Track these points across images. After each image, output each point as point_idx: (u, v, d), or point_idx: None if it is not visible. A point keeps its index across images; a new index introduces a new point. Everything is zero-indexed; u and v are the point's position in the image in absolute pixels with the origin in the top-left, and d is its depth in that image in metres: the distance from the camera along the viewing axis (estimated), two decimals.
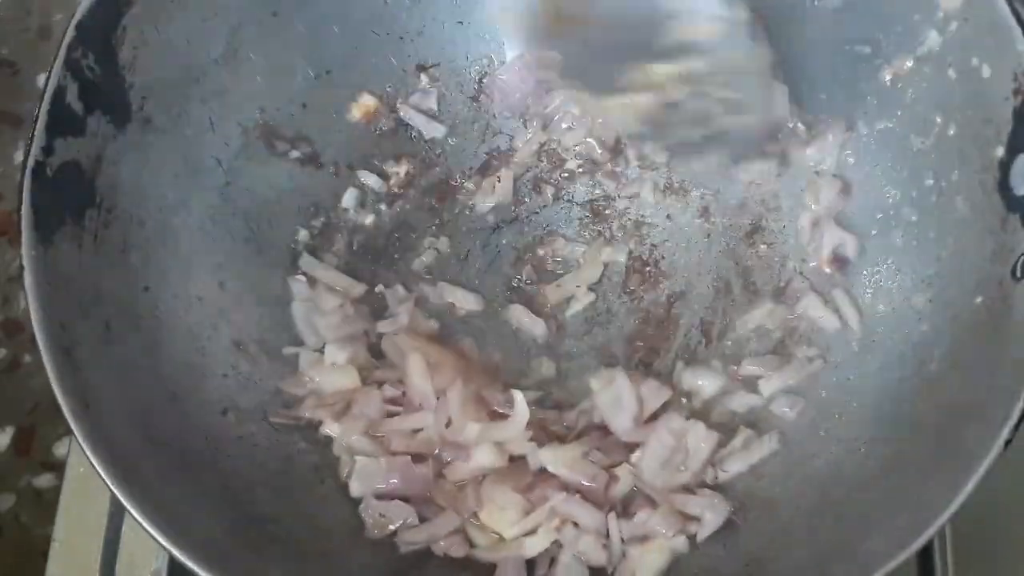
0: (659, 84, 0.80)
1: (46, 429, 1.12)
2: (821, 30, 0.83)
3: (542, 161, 0.91)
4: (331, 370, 0.82)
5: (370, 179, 0.89)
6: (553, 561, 0.75)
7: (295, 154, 0.88)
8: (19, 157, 1.21)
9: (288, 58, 0.86)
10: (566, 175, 0.91)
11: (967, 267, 0.74)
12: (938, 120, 0.78)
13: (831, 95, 0.84)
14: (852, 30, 0.82)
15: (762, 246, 0.87)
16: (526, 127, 0.91)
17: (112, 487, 0.65)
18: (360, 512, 0.77)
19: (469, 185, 0.91)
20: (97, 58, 0.74)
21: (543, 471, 0.77)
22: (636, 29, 0.78)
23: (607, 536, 0.75)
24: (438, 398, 0.79)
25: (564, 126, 0.91)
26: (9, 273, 1.20)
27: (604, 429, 0.80)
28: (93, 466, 0.65)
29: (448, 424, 0.78)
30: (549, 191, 0.90)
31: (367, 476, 0.77)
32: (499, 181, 0.90)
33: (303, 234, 0.87)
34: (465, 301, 0.87)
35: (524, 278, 0.88)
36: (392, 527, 0.76)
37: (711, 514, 0.75)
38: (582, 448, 0.78)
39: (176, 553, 0.65)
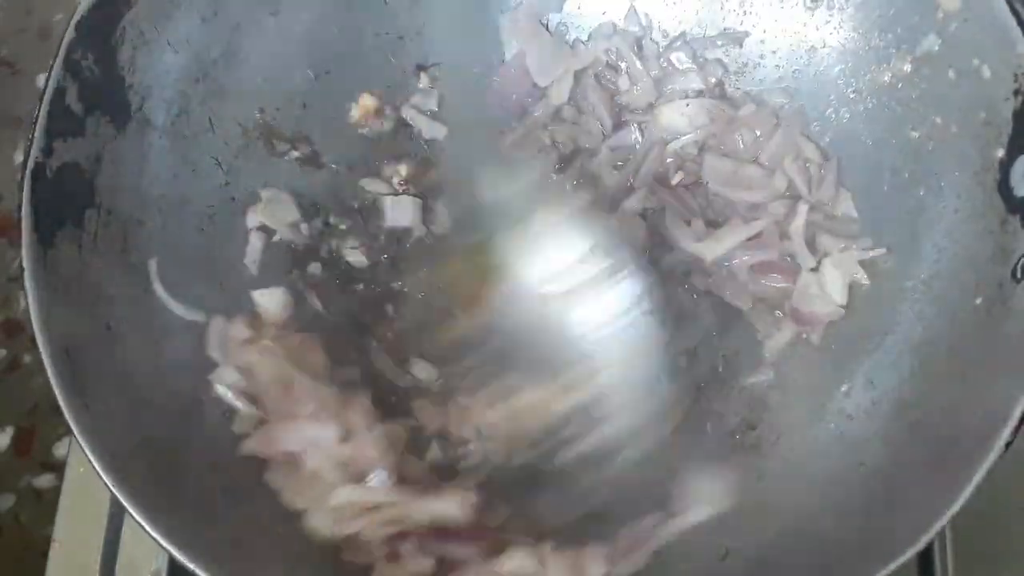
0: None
1: (46, 429, 1.12)
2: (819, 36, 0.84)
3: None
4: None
5: (372, 184, 0.89)
6: None
7: (295, 154, 0.87)
8: (19, 157, 1.21)
9: (288, 58, 0.86)
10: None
11: (967, 268, 0.74)
12: (938, 121, 0.78)
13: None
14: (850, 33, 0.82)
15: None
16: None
17: (112, 487, 0.65)
18: None
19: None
20: (97, 58, 0.74)
21: None
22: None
23: None
24: None
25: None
26: (9, 273, 1.20)
27: None
28: (93, 466, 0.65)
29: None
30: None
31: None
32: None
33: (303, 234, 0.87)
34: None
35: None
36: None
37: None
38: None
39: (176, 553, 0.65)
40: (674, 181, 0.88)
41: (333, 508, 0.73)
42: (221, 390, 0.77)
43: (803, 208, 0.83)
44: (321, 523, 0.74)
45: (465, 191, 0.82)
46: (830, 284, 0.82)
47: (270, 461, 0.76)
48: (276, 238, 0.85)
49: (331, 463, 0.75)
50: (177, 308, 0.77)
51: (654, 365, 0.77)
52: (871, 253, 0.81)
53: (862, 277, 0.81)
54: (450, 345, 0.80)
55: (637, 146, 0.89)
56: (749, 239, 0.84)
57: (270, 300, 0.82)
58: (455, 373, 0.80)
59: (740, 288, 0.83)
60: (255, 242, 0.84)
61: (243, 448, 0.76)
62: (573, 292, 0.77)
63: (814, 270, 0.83)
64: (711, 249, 0.84)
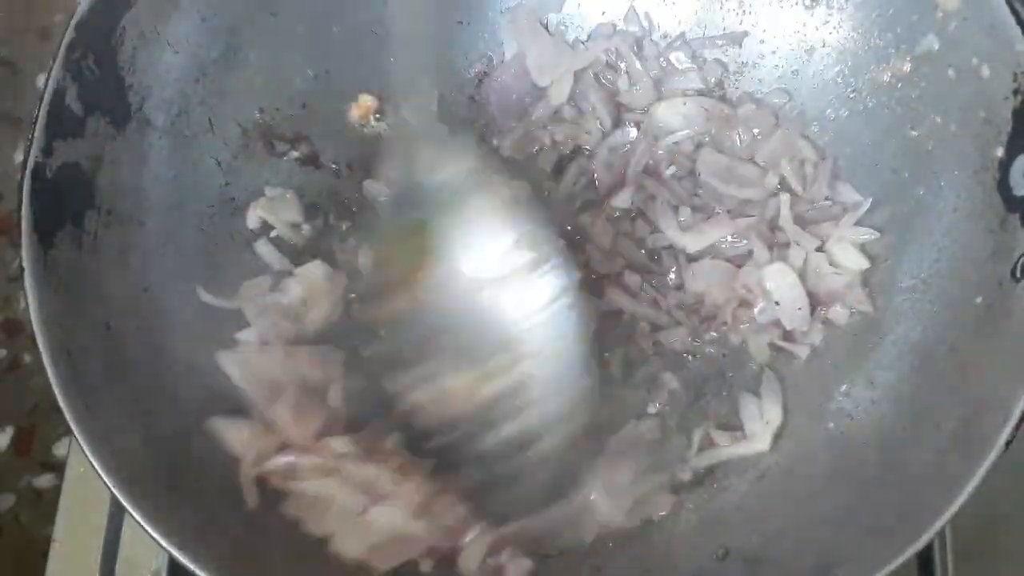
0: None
1: (46, 429, 1.13)
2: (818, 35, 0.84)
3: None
4: None
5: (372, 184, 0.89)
6: None
7: (295, 154, 0.87)
8: (19, 157, 1.21)
9: (288, 58, 0.86)
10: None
11: (967, 267, 0.74)
12: (937, 120, 0.78)
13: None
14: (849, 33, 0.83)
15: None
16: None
17: (112, 487, 0.65)
18: None
19: None
20: (97, 58, 0.74)
21: None
22: None
23: None
24: None
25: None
26: (9, 273, 1.21)
27: None
28: (93, 466, 0.65)
29: None
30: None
31: None
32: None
33: (302, 235, 0.87)
34: None
35: None
36: None
37: None
38: None
39: (176, 553, 0.65)
40: (665, 174, 0.88)
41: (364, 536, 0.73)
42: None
43: (785, 199, 0.84)
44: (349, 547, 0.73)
45: (404, 169, 0.80)
46: (840, 256, 0.82)
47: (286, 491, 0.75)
48: (273, 234, 0.85)
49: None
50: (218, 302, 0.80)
51: (575, 359, 0.74)
52: (863, 236, 0.82)
53: (870, 236, 0.82)
54: (379, 324, 0.78)
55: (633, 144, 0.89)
56: (733, 234, 0.85)
57: (312, 273, 0.83)
58: (380, 355, 0.78)
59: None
60: (262, 247, 0.84)
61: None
62: (502, 279, 0.75)
63: (819, 250, 0.83)
64: (695, 241, 0.85)
